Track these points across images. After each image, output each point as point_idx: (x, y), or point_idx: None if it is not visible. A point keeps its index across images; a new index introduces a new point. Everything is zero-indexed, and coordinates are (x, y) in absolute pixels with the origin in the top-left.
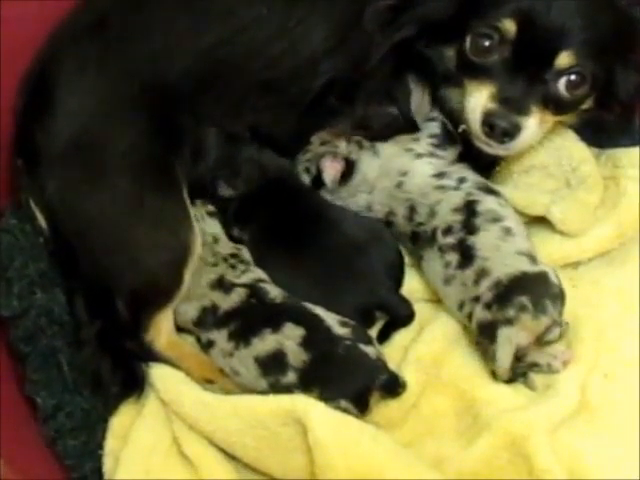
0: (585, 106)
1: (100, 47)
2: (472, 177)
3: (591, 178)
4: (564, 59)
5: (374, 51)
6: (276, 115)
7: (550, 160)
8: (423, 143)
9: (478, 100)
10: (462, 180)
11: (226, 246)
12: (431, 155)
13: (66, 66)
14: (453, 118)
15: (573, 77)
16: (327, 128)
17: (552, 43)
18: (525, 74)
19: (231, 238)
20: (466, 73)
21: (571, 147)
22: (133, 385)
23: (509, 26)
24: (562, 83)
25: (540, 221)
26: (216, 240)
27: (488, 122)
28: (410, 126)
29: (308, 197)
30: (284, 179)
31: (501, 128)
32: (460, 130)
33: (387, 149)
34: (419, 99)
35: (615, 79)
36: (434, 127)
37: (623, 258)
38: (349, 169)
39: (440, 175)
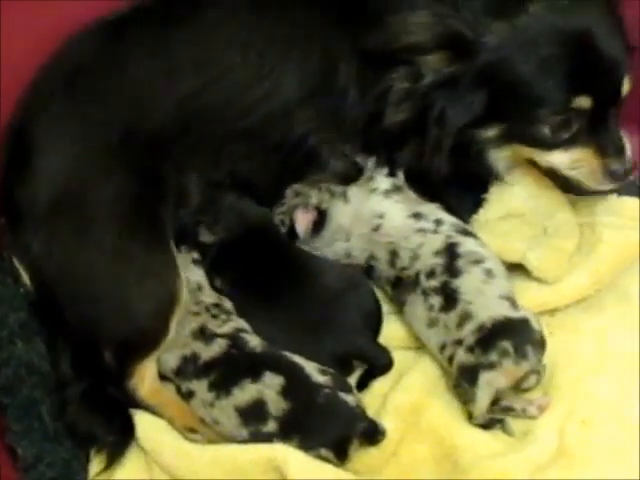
0: None
1: (75, 100)
2: (448, 219)
3: (567, 225)
4: (627, 83)
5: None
6: (254, 163)
7: (526, 207)
8: (379, 177)
9: (590, 165)
10: (439, 222)
11: (209, 295)
12: (396, 190)
13: (42, 120)
14: (488, 171)
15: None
16: (307, 177)
17: (618, 79)
18: (608, 117)
19: (214, 288)
20: (529, 144)
21: (547, 194)
22: (125, 433)
23: (584, 102)
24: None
25: (517, 268)
26: (200, 288)
27: (615, 176)
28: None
29: (287, 246)
30: (263, 228)
31: (626, 171)
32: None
33: (355, 194)
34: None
35: None
36: (367, 159)
37: (600, 305)
38: (321, 219)
39: (416, 216)
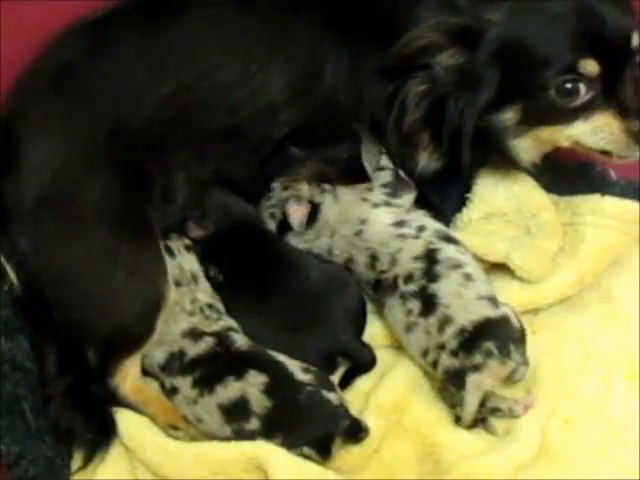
0: None
1: (61, 98)
2: (431, 225)
3: (550, 225)
4: (636, 39)
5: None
6: (238, 161)
7: (510, 207)
8: (377, 193)
9: (612, 129)
10: (422, 228)
11: (205, 291)
12: (386, 204)
13: (28, 119)
14: (516, 162)
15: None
16: (288, 175)
17: (624, 36)
18: (622, 79)
19: (208, 278)
20: (549, 121)
21: (530, 194)
22: (104, 433)
23: (591, 66)
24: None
25: (500, 268)
26: (195, 279)
27: (636, 137)
28: (362, 173)
29: (273, 243)
30: (249, 225)
31: None
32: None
33: (346, 196)
34: (368, 148)
35: None
36: (385, 176)
37: (582, 304)
38: (314, 211)
39: (399, 224)
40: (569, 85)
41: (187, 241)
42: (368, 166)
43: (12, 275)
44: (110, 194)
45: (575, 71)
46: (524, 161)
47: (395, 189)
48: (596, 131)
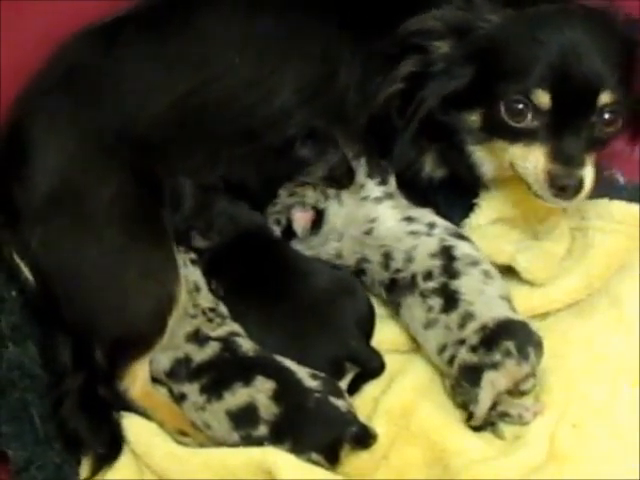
0: None
1: (71, 99)
2: (440, 222)
3: (558, 229)
4: (604, 98)
5: (401, 135)
6: (249, 164)
7: (517, 212)
8: (370, 185)
9: (536, 163)
10: (432, 225)
11: (206, 298)
12: (388, 197)
13: (39, 120)
14: (472, 173)
15: (609, 115)
16: (298, 179)
17: (591, 88)
18: (572, 126)
19: (210, 290)
20: (501, 135)
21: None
22: (112, 445)
23: (541, 97)
24: (602, 124)
25: (508, 272)
26: (198, 289)
27: (556, 185)
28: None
29: (280, 250)
30: (256, 232)
31: (570, 187)
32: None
33: (349, 199)
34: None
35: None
36: (362, 164)
37: (591, 309)
38: (319, 218)
39: (409, 220)
40: (519, 106)
41: (193, 255)
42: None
43: (27, 273)
44: (121, 195)
45: (527, 96)
46: (482, 170)
47: (378, 174)
48: (527, 160)
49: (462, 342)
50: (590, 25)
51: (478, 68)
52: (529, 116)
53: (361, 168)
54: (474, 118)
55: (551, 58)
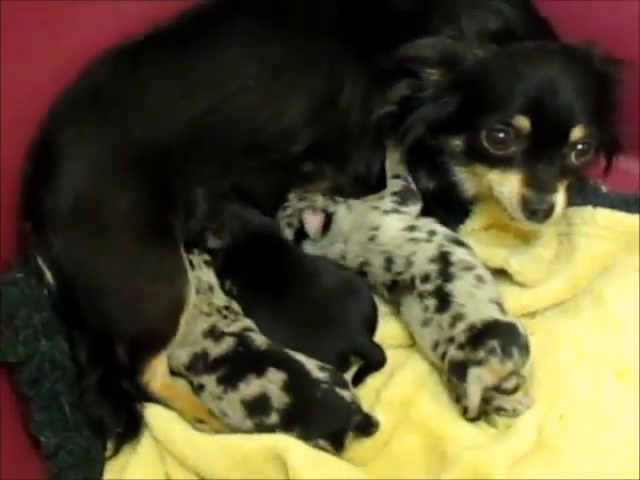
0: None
1: (97, 116)
2: (441, 230)
3: (546, 235)
4: (577, 133)
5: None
6: (258, 175)
7: (509, 219)
8: (387, 201)
9: (511, 188)
10: (432, 233)
11: (220, 297)
12: (395, 212)
13: (67, 134)
14: (456, 191)
15: (582, 146)
16: (304, 188)
17: (565, 122)
18: (546, 156)
19: (223, 290)
20: (481, 160)
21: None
22: (131, 427)
23: (523, 123)
24: (575, 154)
25: (501, 275)
26: (211, 288)
27: (529, 209)
28: (378, 185)
29: (289, 251)
30: (266, 235)
31: (541, 211)
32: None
33: (358, 206)
34: (390, 156)
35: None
36: (398, 184)
37: (576, 308)
38: (328, 220)
39: (411, 228)
40: (500, 135)
41: (206, 257)
42: (388, 171)
43: (48, 276)
44: (136, 205)
45: (508, 122)
46: (464, 188)
47: (404, 198)
48: (503, 185)
49: (452, 340)
50: (567, 62)
51: (463, 97)
52: (509, 143)
53: (396, 181)
54: (458, 143)
55: (530, 91)
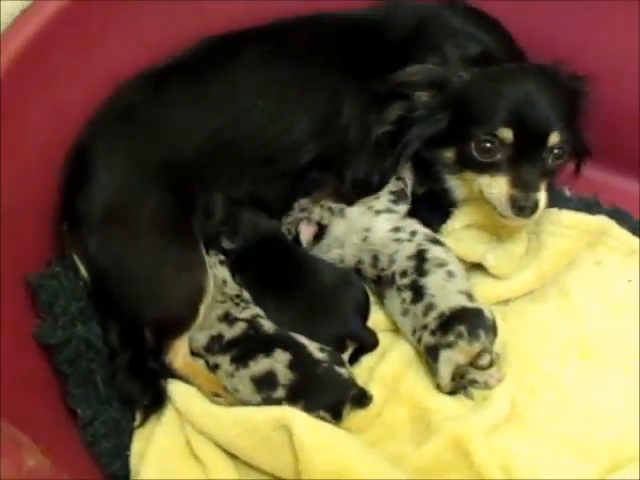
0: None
1: (126, 132)
2: (421, 230)
3: (518, 233)
4: (553, 139)
5: (389, 169)
6: (269, 184)
7: (485, 220)
8: (383, 200)
9: (500, 189)
10: (414, 233)
11: (232, 288)
12: (388, 211)
13: (99, 148)
14: (448, 197)
15: (558, 151)
16: (309, 195)
17: (543, 130)
18: (528, 160)
19: (236, 282)
20: (471, 168)
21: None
22: (156, 400)
23: (506, 133)
24: (552, 157)
25: (478, 268)
26: (225, 282)
27: (517, 206)
28: (370, 189)
29: (293, 251)
30: (274, 237)
31: (528, 208)
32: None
33: (353, 210)
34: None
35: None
36: (396, 185)
37: (544, 297)
38: (321, 231)
39: (396, 229)
40: (487, 144)
41: (221, 257)
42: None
43: (83, 271)
44: (161, 209)
45: (493, 134)
46: (455, 194)
47: (398, 198)
48: (492, 187)
49: (425, 327)
50: (541, 79)
51: (452, 114)
52: (495, 152)
53: (396, 182)
54: (449, 154)
55: (510, 106)
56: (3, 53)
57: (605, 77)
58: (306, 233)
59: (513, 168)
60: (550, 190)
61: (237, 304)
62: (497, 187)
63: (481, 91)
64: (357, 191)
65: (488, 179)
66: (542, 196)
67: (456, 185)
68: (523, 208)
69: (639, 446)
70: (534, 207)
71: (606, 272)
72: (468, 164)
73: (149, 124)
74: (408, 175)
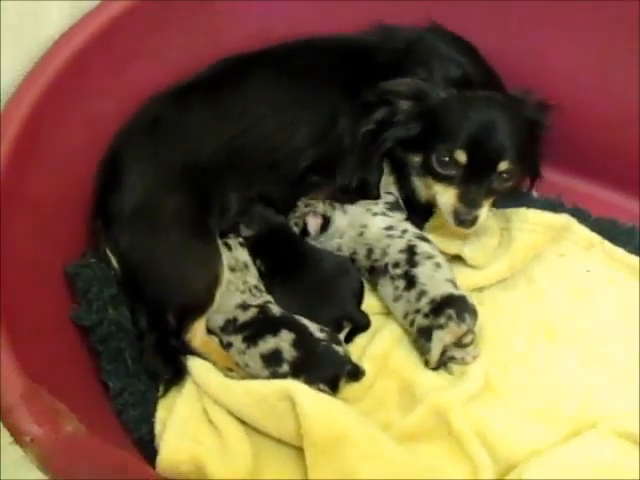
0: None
1: (153, 140)
2: (411, 229)
3: (491, 229)
4: (502, 166)
5: (369, 158)
6: (275, 185)
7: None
8: (380, 205)
9: (448, 200)
10: (404, 231)
11: (253, 274)
12: (383, 214)
13: (129, 154)
14: (414, 196)
15: (505, 175)
16: (309, 195)
17: (494, 157)
18: (477, 180)
19: (255, 266)
20: (431, 175)
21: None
22: (177, 374)
23: (461, 156)
24: (500, 181)
25: (457, 259)
26: (246, 266)
27: (458, 218)
28: (375, 195)
29: (297, 243)
30: (281, 230)
31: (467, 221)
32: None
33: (353, 209)
34: (386, 178)
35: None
36: (390, 198)
37: (514, 284)
38: (325, 223)
39: (389, 228)
40: (445, 159)
41: (241, 239)
42: (382, 188)
43: (114, 263)
44: (183, 208)
45: (451, 153)
46: (420, 196)
47: (393, 208)
48: (443, 197)
49: (418, 311)
50: (505, 110)
51: (424, 125)
52: (451, 167)
53: (388, 196)
54: (417, 159)
55: (471, 131)
56: (44, 74)
57: (564, 89)
58: (313, 224)
59: (463, 185)
60: (519, 191)
61: (254, 295)
62: (447, 198)
63: (451, 112)
64: (351, 193)
65: (442, 188)
66: (483, 212)
67: (420, 187)
68: (464, 221)
69: (596, 414)
70: (474, 220)
71: (568, 263)
72: (429, 171)
73: (172, 134)
74: (394, 190)
